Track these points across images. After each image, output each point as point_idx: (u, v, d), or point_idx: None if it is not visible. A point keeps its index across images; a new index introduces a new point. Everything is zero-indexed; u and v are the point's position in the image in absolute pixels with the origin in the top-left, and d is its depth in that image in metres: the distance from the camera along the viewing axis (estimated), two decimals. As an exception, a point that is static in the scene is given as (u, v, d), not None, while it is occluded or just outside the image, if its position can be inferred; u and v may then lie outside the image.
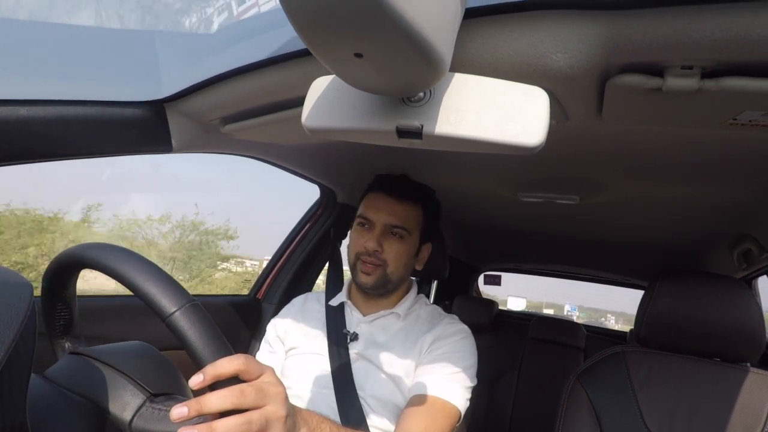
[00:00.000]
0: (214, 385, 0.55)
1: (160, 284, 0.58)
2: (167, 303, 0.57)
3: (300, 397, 1.17)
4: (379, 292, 1.23)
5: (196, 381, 0.54)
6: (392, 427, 1.11)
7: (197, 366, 0.56)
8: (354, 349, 1.20)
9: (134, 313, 1.36)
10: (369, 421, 1.11)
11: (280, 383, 0.61)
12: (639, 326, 1.27)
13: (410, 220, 1.22)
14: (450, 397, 1.06)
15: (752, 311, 1.14)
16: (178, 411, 0.52)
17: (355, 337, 1.21)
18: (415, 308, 1.28)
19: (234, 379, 0.56)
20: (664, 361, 1.25)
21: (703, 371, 1.21)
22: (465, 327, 1.22)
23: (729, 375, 1.18)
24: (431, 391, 1.06)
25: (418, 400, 1.06)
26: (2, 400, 0.50)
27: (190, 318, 0.56)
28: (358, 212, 1.25)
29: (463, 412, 1.08)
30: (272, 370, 0.62)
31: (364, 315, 1.26)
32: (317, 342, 1.23)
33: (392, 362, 1.16)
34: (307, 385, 1.18)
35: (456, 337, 1.17)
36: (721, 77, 0.60)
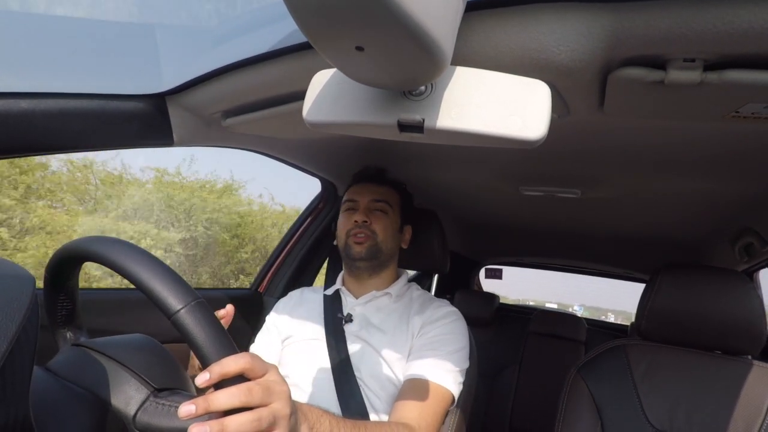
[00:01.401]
0: (220, 384, 0.56)
1: (165, 281, 0.58)
2: (173, 300, 0.57)
3: (298, 384, 1.19)
4: (372, 264, 1.27)
5: (202, 379, 0.55)
6: (389, 406, 1.12)
7: (202, 363, 0.57)
8: (349, 331, 1.23)
9: (135, 306, 1.36)
10: (367, 401, 1.13)
11: (284, 381, 0.62)
12: (640, 319, 1.27)
13: (390, 197, 1.34)
14: (442, 381, 1.08)
15: (753, 304, 1.15)
16: (186, 408, 0.53)
17: (349, 318, 1.25)
18: (408, 293, 1.32)
19: (239, 377, 0.57)
20: (665, 354, 1.25)
21: (704, 364, 1.21)
22: (455, 309, 1.25)
23: (730, 368, 1.19)
24: (423, 376, 1.08)
25: (411, 386, 1.08)
26: (5, 393, 0.50)
27: (195, 316, 0.57)
28: (344, 199, 1.36)
29: (456, 395, 1.11)
30: (276, 369, 0.62)
31: (357, 298, 1.30)
32: (314, 329, 1.26)
33: (386, 342, 1.18)
34: (306, 369, 1.21)
35: (446, 320, 1.20)
36: (724, 70, 0.60)
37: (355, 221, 1.27)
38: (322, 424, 0.74)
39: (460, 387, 1.13)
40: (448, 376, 1.09)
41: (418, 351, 1.14)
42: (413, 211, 1.44)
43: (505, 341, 2.73)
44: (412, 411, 1.03)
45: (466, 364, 1.16)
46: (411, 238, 1.40)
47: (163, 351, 0.76)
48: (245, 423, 0.54)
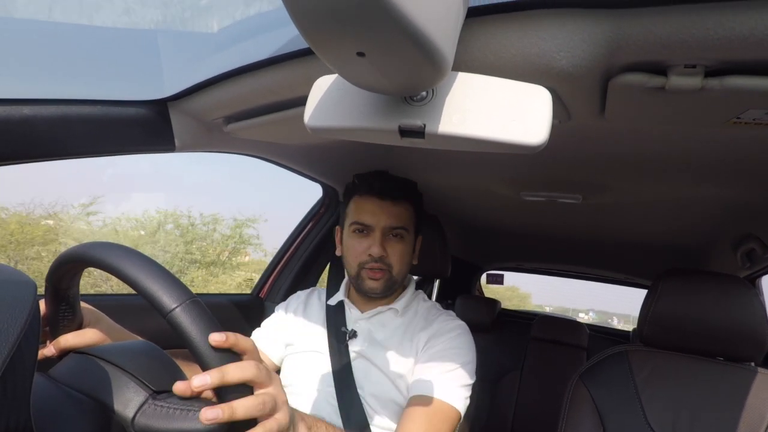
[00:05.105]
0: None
1: (161, 281, 0.58)
2: (168, 299, 0.57)
3: (300, 395, 1.17)
4: (386, 294, 1.22)
5: (200, 382, 0.56)
6: (393, 425, 1.11)
7: (198, 362, 0.57)
8: (353, 347, 1.20)
9: (135, 311, 1.36)
10: (369, 419, 1.12)
11: (284, 392, 0.66)
12: (642, 325, 1.26)
13: (407, 219, 1.21)
14: (448, 398, 1.05)
15: (756, 310, 1.14)
16: (212, 413, 0.55)
17: (354, 334, 1.21)
18: (413, 304, 1.27)
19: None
20: (667, 361, 1.24)
21: (707, 370, 1.20)
22: (462, 323, 1.21)
23: (732, 374, 1.18)
24: (430, 393, 1.05)
25: (417, 401, 1.05)
26: (6, 399, 0.50)
27: (191, 314, 0.57)
28: (352, 219, 1.21)
29: (462, 412, 1.08)
30: (278, 379, 0.65)
31: (362, 312, 1.25)
32: (317, 340, 1.23)
33: (391, 360, 1.16)
34: (308, 383, 1.19)
35: (452, 334, 1.17)
36: (725, 76, 0.60)
37: (370, 255, 1.16)
38: (318, 428, 0.78)
39: (467, 402, 1.09)
40: (454, 393, 1.07)
41: (423, 365, 1.12)
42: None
43: (506, 347, 2.71)
44: (417, 429, 1.01)
45: (473, 379, 1.12)
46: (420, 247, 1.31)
47: (162, 354, 0.76)
48: None
